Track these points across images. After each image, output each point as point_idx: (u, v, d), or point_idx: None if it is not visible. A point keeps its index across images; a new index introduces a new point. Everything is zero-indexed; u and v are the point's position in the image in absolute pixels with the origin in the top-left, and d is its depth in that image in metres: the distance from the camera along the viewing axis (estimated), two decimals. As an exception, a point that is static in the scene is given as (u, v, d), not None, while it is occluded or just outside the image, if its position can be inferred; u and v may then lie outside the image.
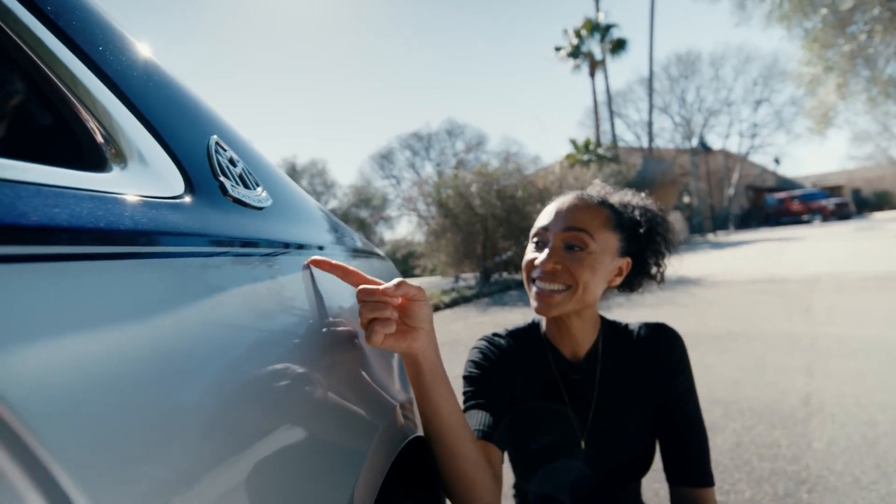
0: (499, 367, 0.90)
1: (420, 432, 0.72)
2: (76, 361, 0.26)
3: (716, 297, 6.14)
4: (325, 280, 0.61)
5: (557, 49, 24.41)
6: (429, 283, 10.98)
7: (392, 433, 0.64)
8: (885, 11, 10.01)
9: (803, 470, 1.92)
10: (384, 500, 0.67)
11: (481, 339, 0.94)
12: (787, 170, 42.33)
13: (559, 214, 0.86)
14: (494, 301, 7.87)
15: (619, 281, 0.89)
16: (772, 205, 30.57)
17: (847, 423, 2.29)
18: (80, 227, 0.29)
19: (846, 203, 27.76)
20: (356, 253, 0.89)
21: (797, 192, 30.06)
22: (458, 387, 0.92)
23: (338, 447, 0.50)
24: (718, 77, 33.10)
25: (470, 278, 10.94)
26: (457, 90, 70.84)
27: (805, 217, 27.69)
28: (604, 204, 0.87)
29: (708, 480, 0.86)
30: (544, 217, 0.88)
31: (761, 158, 35.90)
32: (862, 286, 5.72)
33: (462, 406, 0.88)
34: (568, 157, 18.82)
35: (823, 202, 27.71)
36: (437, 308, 7.40)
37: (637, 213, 0.89)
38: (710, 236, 23.15)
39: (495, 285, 9.45)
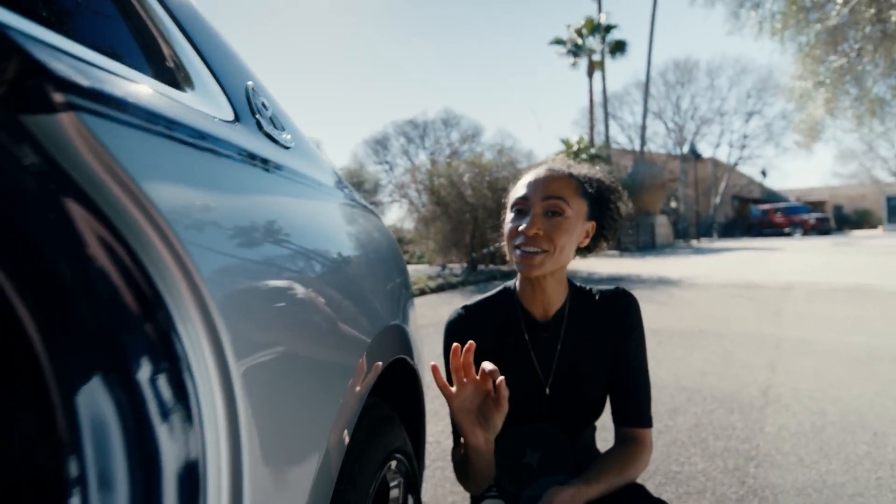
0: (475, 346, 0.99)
1: (403, 354, 0.82)
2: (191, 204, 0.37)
3: (693, 297, 6.34)
4: (333, 212, 0.70)
5: (558, 41, 24.24)
6: (416, 271, 11.08)
7: (378, 350, 0.74)
8: (876, 31, 10.25)
9: (753, 449, 2.08)
10: (371, 411, 0.78)
11: (452, 322, 1.03)
12: (774, 182, 43.22)
13: (537, 185, 0.96)
14: (479, 289, 8.01)
15: (586, 242, 1.00)
16: (756, 215, 31.18)
17: (799, 412, 2.46)
18: (181, 122, 0.40)
19: (827, 218, 28.43)
20: (353, 203, 0.98)
21: (781, 205, 30.68)
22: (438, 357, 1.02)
23: (328, 359, 0.57)
24: (714, 86, 33.62)
25: (457, 268, 11.06)
26: (455, 80, 70.70)
27: (787, 229, 28.29)
28: (571, 175, 0.99)
29: (647, 422, 0.99)
30: (522, 188, 0.98)
31: (749, 169, 36.64)
32: (831, 296, 5.96)
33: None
34: (559, 154, 18.91)
35: (805, 216, 28.34)
36: (422, 292, 7.52)
37: (596, 182, 1.01)
38: (694, 242, 23.56)
39: (481, 275, 9.59)
